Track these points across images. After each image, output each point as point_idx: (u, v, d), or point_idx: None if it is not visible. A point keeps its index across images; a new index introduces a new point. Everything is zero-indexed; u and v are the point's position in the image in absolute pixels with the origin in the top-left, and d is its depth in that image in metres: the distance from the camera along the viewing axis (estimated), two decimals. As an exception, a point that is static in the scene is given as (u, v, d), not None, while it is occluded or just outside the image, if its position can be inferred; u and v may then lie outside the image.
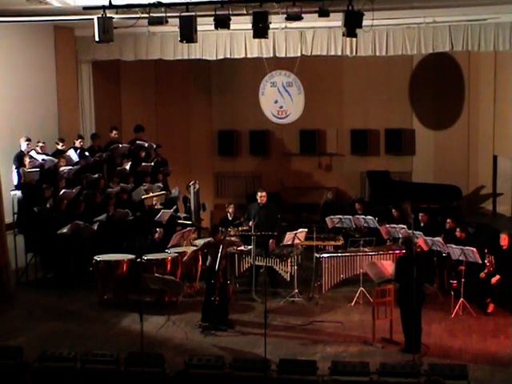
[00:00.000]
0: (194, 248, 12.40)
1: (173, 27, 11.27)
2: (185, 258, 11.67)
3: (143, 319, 8.19)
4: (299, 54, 14.47)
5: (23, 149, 13.53)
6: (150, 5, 10.91)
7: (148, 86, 18.06)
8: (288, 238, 12.14)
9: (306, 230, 12.31)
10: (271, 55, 14.59)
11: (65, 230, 12.51)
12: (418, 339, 9.65)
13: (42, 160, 13.59)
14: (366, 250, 12.15)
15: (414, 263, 9.47)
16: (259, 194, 12.75)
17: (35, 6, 12.18)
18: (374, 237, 12.47)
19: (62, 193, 13.08)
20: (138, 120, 16.41)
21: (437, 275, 12.16)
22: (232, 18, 11.12)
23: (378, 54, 14.16)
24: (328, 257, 12.00)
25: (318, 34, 14.25)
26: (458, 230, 11.94)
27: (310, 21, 12.05)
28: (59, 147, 14.30)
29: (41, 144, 13.85)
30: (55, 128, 15.31)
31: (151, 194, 14.28)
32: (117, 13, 11.20)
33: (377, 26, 12.21)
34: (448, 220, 12.32)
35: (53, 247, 12.73)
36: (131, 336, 10.06)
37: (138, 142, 15.54)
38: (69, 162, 13.99)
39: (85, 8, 11.42)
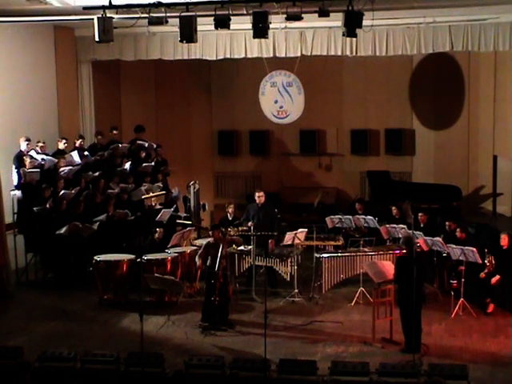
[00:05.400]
0: (193, 248, 12.44)
1: (173, 27, 11.27)
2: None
3: (143, 319, 8.18)
4: (299, 54, 14.48)
5: (23, 149, 13.53)
6: (149, 5, 10.91)
7: (148, 86, 18.08)
8: (288, 238, 12.14)
9: (306, 230, 12.31)
10: (271, 55, 14.60)
11: (62, 231, 12.52)
12: (418, 339, 9.65)
13: (42, 160, 13.60)
14: (366, 250, 12.16)
15: (414, 263, 9.48)
16: (257, 193, 12.76)
17: (35, 6, 12.20)
18: (374, 237, 12.47)
19: (61, 193, 13.08)
20: (138, 120, 16.42)
21: (437, 275, 12.16)
22: (232, 17, 11.12)
23: (378, 54, 14.17)
24: (328, 257, 12.00)
25: (318, 34, 14.26)
26: (458, 230, 11.95)
27: (310, 21, 12.03)
28: (61, 146, 14.30)
29: (40, 144, 13.85)
30: (55, 128, 15.32)
31: (151, 194, 14.29)
32: (117, 13, 11.22)
33: (377, 26, 12.22)
34: (448, 222, 12.29)
35: (53, 247, 12.74)
36: (131, 336, 10.05)
37: (138, 142, 15.56)
38: (69, 163, 13.99)
39: (85, 8, 11.42)
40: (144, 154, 15.38)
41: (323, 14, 11.04)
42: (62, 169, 13.67)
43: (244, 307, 11.65)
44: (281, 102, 15.60)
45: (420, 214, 12.77)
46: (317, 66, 16.69)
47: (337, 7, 10.92)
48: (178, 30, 11.02)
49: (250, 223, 12.33)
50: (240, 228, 12.60)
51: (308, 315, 11.32)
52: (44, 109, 15.04)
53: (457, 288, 11.24)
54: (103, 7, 10.94)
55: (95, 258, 11.97)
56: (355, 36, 11.29)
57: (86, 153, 14.57)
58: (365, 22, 11.04)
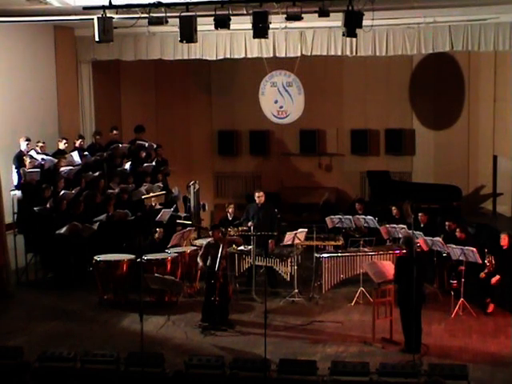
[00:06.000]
0: (193, 248, 12.44)
1: (173, 27, 11.26)
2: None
3: (143, 319, 8.18)
4: (299, 54, 14.47)
5: (23, 149, 13.54)
6: (149, 5, 10.90)
7: (148, 86, 18.08)
8: (288, 238, 12.13)
9: (306, 230, 12.30)
10: (271, 55, 14.59)
11: (62, 231, 12.52)
12: (418, 339, 9.65)
13: (42, 160, 13.60)
14: (366, 250, 12.16)
15: (414, 263, 9.48)
16: (256, 194, 12.77)
17: (35, 6, 12.19)
18: (374, 237, 12.47)
19: (61, 193, 13.09)
20: (138, 120, 16.42)
21: (437, 275, 12.16)
22: (232, 17, 11.12)
23: (378, 54, 14.16)
24: (328, 257, 12.00)
25: (318, 34, 14.26)
26: (457, 230, 11.95)
27: (310, 21, 12.03)
28: (61, 146, 14.30)
29: (40, 144, 13.86)
30: (55, 128, 15.32)
31: (151, 194, 14.29)
32: (117, 13, 11.21)
33: (377, 26, 12.20)
34: (447, 222, 12.29)
35: (53, 247, 12.74)
36: (131, 336, 10.05)
37: (138, 142, 15.56)
38: (70, 163, 13.99)
39: (85, 8, 11.42)
40: (144, 154, 15.38)
41: (323, 13, 11.03)
42: (62, 169, 13.67)
43: (244, 307, 11.65)
44: (281, 102, 15.58)
45: (420, 214, 12.76)
46: (317, 66, 16.69)
47: (337, 7, 10.91)
48: (178, 30, 11.01)
49: (250, 223, 12.33)
50: (240, 228, 12.61)
51: (308, 315, 11.32)
52: (44, 109, 15.04)
53: (457, 288, 11.24)
54: (103, 7, 10.93)
55: (95, 258, 11.97)
56: (355, 36, 11.27)
57: (85, 153, 14.56)
58: (365, 22, 11.02)
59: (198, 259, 11.18)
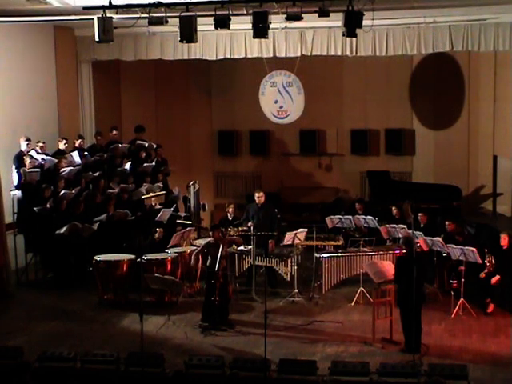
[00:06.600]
0: (193, 248, 12.44)
1: (173, 27, 11.27)
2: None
3: (143, 319, 8.18)
4: (299, 54, 14.48)
5: (23, 149, 13.53)
6: (149, 5, 10.91)
7: (148, 86, 18.08)
8: (288, 238, 12.14)
9: (306, 230, 12.31)
10: (271, 55, 14.59)
11: (62, 231, 12.52)
12: (418, 339, 9.65)
13: (42, 160, 13.60)
14: (366, 249, 12.16)
15: (414, 263, 9.48)
16: (256, 194, 12.78)
17: (35, 6, 12.20)
18: (374, 237, 12.47)
19: (62, 193, 13.09)
20: (138, 120, 16.41)
21: (437, 275, 12.16)
22: (232, 17, 11.12)
23: (378, 54, 14.17)
24: (328, 257, 12.01)
25: (318, 34, 14.26)
26: (455, 233, 11.95)
27: (310, 21, 12.04)
28: (61, 146, 14.30)
29: (40, 144, 13.86)
30: (55, 128, 15.31)
31: (151, 194, 14.29)
32: (117, 13, 11.22)
33: (377, 26, 12.20)
34: (447, 222, 12.29)
35: (53, 247, 12.74)
36: (131, 336, 10.05)
37: (138, 142, 15.56)
38: (70, 163, 13.99)
39: (85, 8, 11.43)
40: (144, 154, 15.38)
41: (323, 14, 11.04)
42: (63, 169, 13.67)
43: (244, 307, 11.65)
44: (281, 102, 15.59)
45: (420, 214, 12.76)
46: (317, 66, 16.67)
47: (337, 7, 10.92)
48: (178, 30, 11.02)
49: (250, 223, 12.34)
50: (240, 228, 12.61)
51: (308, 315, 11.32)
52: (44, 109, 15.03)
53: (457, 288, 11.24)
54: (103, 7, 10.94)
55: (95, 257, 11.97)
56: (355, 36, 11.28)
57: (85, 153, 14.56)
58: (365, 22, 11.03)
59: (193, 256, 11.20)
